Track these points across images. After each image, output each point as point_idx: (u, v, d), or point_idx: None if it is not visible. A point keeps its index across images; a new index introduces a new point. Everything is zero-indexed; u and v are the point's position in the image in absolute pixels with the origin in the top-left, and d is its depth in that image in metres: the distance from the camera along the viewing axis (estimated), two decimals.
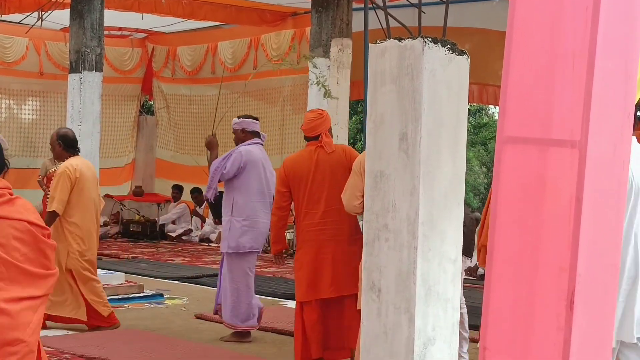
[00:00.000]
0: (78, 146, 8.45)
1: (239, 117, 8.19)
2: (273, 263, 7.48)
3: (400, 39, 3.88)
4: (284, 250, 7.11)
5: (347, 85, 9.90)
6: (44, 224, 3.63)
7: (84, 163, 8.29)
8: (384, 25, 4.35)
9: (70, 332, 7.77)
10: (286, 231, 7.27)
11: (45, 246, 3.58)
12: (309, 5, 12.21)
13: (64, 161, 8.15)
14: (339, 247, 6.45)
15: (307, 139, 6.78)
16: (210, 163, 8.09)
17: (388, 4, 4.32)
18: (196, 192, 16.42)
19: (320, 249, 6.48)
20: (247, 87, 16.67)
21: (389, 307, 3.89)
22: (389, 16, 4.28)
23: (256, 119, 8.20)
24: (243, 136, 7.96)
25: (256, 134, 7.99)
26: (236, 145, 7.99)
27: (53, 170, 11.68)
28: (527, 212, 2.88)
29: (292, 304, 9.72)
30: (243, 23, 15.52)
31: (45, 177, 12.85)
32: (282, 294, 10.23)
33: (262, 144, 8.06)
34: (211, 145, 8.42)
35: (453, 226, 3.92)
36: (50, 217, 7.75)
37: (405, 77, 3.85)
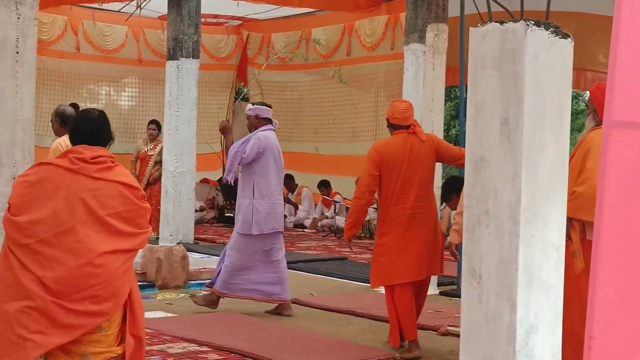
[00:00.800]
0: None
1: (253, 104, 8.56)
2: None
3: (501, 22, 3.81)
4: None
5: (443, 71, 9.79)
6: (139, 188, 4.49)
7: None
8: (482, 10, 4.28)
9: (170, 315, 7.89)
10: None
11: (138, 207, 4.39)
12: None
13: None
14: (428, 230, 6.72)
15: (395, 127, 6.89)
16: (225, 148, 8.30)
17: None
18: (288, 179, 16.50)
19: (412, 232, 6.66)
20: (340, 73, 16.70)
21: (490, 294, 3.84)
22: (490, 0, 4.21)
23: (269, 106, 8.52)
24: (257, 122, 8.31)
25: (269, 121, 8.34)
26: (249, 130, 8.39)
27: (144, 150, 11.80)
28: (635, 198, 2.80)
29: None
30: (337, 9, 15.51)
31: (138, 159, 13.15)
32: None
33: (274, 130, 8.39)
34: (225, 130, 8.67)
35: (556, 212, 3.84)
36: None
37: (507, 61, 3.79)
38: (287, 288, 8.26)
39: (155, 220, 11.78)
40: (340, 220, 15.13)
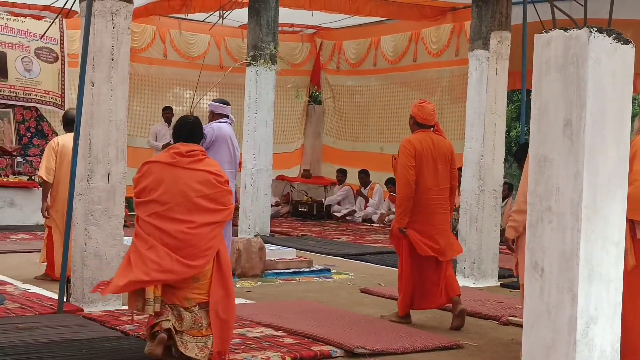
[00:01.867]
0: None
1: (212, 101, 9.27)
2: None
3: (565, 29, 3.77)
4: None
5: (505, 75, 9.70)
6: (222, 174, 5.62)
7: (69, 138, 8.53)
8: (543, 18, 4.23)
9: (248, 302, 7.93)
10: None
11: (220, 189, 5.55)
12: (468, 0, 12.03)
13: None
14: (447, 219, 7.32)
15: (420, 125, 7.26)
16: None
17: None
18: (363, 174, 16.51)
19: (438, 219, 7.18)
20: (405, 78, 16.64)
21: (552, 287, 3.79)
22: (553, 8, 4.15)
23: (227, 103, 9.10)
24: (212, 117, 8.94)
25: (224, 116, 8.88)
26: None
27: None
28: None
29: None
30: (404, 18, 15.45)
31: None
32: None
33: (229, 123, 8.89)
34: None
35: (617, 210, 3.78)
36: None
37: (570, 66, 3.74)
38: None
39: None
40: None
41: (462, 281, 9.54)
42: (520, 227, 5.84)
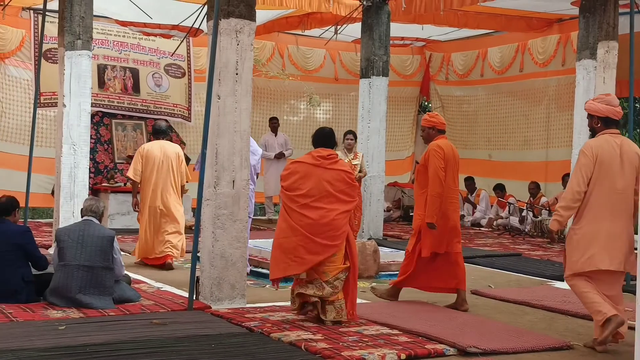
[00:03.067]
0: (165, 133, 10.47)
1: None
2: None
3: None
4: None
5: (613, 84, 9.47)
6: (352, 173, 7.06)
7: (157, 144, 10.10)
8: None
9: (364, 301, 7.95)
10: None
11: (351, 185, 6.91)
12: (574, 12, 11.77)
13: None
14: (458, 216, 7.91)
15: (440, 132, 7.87)
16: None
17: None
18: (469, 181, 16.31)
19: (450, 215, 7.73)
20: (512, 87, 16.39)
21: None
22: None
23: None
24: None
25: None
26: None
27: (346, 161, 11.74)
28: None
29: (559, 284, 9.46)
30: (512, 30, 15.23)
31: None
32: (549, 275, 9.94)
33: None
34: None
35: None
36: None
37: None
38: None
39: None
40: (514, 220, 14.83)
41: None
42: (565, 221, 6.41)
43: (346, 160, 11.72)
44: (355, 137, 12.32)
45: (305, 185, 6.77)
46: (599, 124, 6.46)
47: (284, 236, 6.74)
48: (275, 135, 15.99)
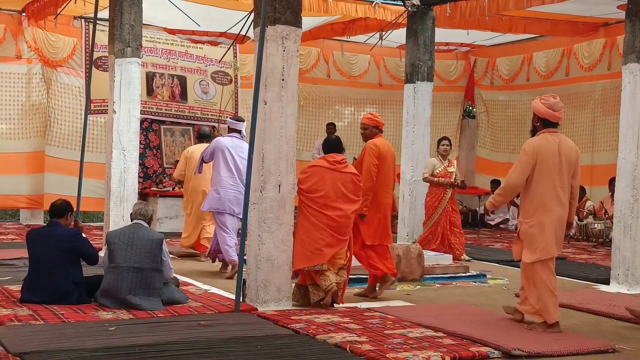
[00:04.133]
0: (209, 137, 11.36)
1: (230, 118, 10.68)
2: None
3: None
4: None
5: None
6: (358, 175, 7.89)
7: (200, 147, 10.80)
8: None
9: (408, 304, 7.95)
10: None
11: (358, 186, 7.79)
12: (620, 16, 11.64)
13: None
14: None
15: (380, 130, 8.54)
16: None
17: None
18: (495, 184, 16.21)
19: (382, 208, 8.42)
20: (558, 92, 16.20)
21: None
22: None
23: (240, 120, 10.15)
24: (229, 131, 10.08)
25: (237, 131, 9.87)
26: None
27: (441, 169, 11.53)
28: None
29: (604, 287, 9.36)
30: (557, 34, 15.09)
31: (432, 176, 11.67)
32: (594, 278, 9.85)
33: (238, 137, 9.81)
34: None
35: None
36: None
37: None
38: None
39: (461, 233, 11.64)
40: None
41: (616, 287, 9.25)
42: (499, 207, 7.76)
43: (441, 168, 11.53)
44: (451, 143, 11.98)
45: (323, 187, 7.57)
46: (538, 122, 6.99)
47: (306, 232, 7.54)
48: None
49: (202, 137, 11.40)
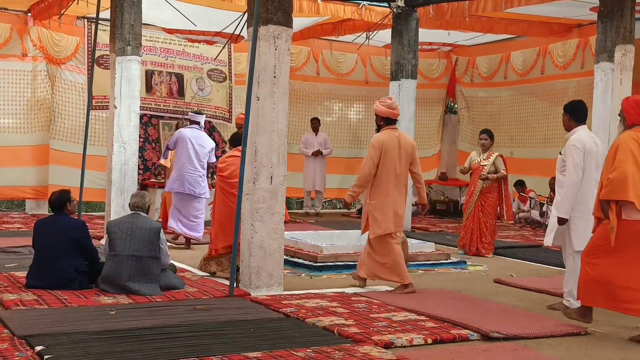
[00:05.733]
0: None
1: (190, 112, 11.53)
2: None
3: None
4: None
5: (629, 85, 9.35)
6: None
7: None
8: None
9: (392, 289, 7.94)
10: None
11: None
12: (593, 17, 11.63)
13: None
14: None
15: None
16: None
17: None
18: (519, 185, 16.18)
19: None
20: (534, 89, 16.23)
21: None
22: None
23: (200, 113, 11.19)
24: (189, 123, 11.07)
25: (196, 123, 10.84)
26: None
27: (477, 161, 10.99)
28: None
29: None
30: (533, 35, 15.07)
31: (470, 169, 11.17)
32: None
33: (197, 128, 10.81)
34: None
35: None
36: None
37: None
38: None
39: (491, 231, 10.83)
40: (535, 214, 14.72)
41: None
42: (357, 197, 8.24)
43: (477, 160, 10.90)
44: (491, 137, 11.13)
45: (239, 175, 7.59)
46: (382, 121, 7.93)
47: (223, 215, 8.18)
48: (316, 135, 15.99)
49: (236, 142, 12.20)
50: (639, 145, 6.08)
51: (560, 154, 7.15)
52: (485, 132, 11.15)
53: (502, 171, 10.84)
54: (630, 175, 5.93)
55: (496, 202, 10.79)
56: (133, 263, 7.11)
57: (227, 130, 15.89)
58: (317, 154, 15.72)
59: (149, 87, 15.02)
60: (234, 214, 7.40)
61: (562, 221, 6.90)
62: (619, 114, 6.45)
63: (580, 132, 7.03)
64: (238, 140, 8.61)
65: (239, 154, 7.94)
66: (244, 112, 8.59)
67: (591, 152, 6.91)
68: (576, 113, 7.18)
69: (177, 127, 12.58)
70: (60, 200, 7.41)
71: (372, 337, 5.70)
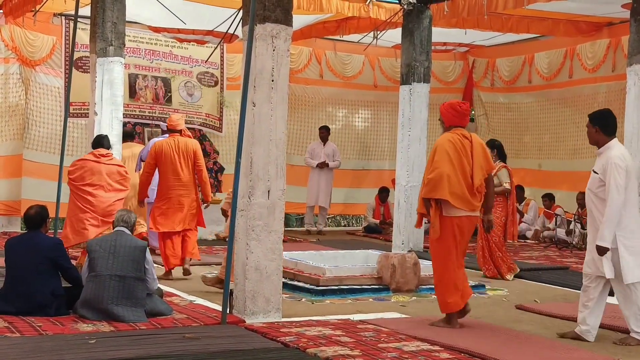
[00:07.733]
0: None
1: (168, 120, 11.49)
2: None
3: None
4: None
5: None
6: (123, 166, 9.90)
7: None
8: None
9: (404, 316, 7.96)
10: None
11: (123, 176, 9.75)
12: (625, 15, 11.68)
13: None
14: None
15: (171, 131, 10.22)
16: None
17: None
18: (517, 190, 16.14)
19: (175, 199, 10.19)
20: (562, 94, 16.28)
21: None
22: None
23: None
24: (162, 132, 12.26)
25: (167, 131, 10.74)
26: None
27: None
28: None
29: (609, 299, 9.36)
30: (559, 34, 15.13)
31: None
32: None
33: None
34: None
35: None
36: None
37: None
38: None
39: (501, 249, 10.85)
40: (561, 232, 14.73)
41: None
42: None
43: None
44: (492, 147, 11.08)
45: (90, 177, 9.37)
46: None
47: (74, 214, 9.41)
48: (324, 145, 16.04)
49: (126, 136, 12.08)
50: (454, 146, 7.27)
51: (596, 172, 6.96)
52: (487, 143, 11.07)
53: (505, 185, 10.86)
54: (446, 176, 7.14)
55: (502, 218, 10.83)
56: (116, 284, 7.13)
57: (218, 140, 15.96)
58: (323, 165, 15.77)
59: (132, 93, 15.09)
60: (83, 214, 9.24)
61: (602, 251, 6.79)
62: (439, 119, 7.70)
63: (619, 148, 6.97)
64: (98, 142, 9.77)
65: (92, 157, 9.52)
66: (176, 112, 8.97)
67: (631, 170, 6.86)
68: (606, 125, 7.09)
69: (132, 135, 13.34)
70: (41, 216, 7.44)
71: None
